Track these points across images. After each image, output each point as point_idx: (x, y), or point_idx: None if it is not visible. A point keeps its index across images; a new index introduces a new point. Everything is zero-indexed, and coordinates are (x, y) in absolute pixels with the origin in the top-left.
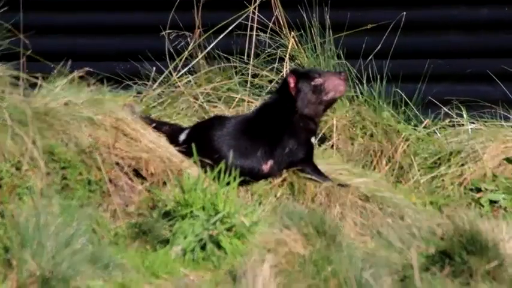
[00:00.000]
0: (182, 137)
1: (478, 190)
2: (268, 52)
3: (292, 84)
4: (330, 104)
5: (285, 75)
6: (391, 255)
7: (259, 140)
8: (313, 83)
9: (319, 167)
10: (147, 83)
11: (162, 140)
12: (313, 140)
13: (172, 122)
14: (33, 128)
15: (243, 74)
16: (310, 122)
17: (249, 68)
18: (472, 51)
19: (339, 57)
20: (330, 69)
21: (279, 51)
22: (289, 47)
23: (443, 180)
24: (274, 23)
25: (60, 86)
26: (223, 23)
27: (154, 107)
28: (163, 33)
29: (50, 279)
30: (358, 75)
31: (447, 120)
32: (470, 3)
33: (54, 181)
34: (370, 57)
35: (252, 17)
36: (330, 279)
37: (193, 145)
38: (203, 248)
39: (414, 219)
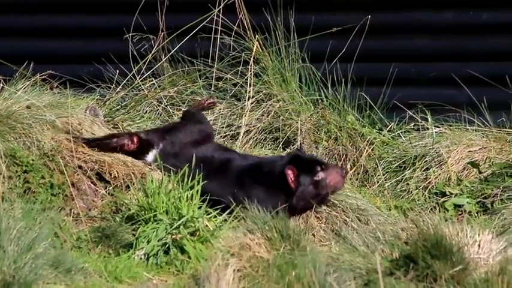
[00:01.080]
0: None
1: (443, 194)
2: (233, 55)
3: (291, 178)
4: (325, 197)
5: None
6: (356, 259)
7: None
8: (315, 178)
9: None
10: (110, 86)
11: None
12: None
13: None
14: None
15: (207, 77)
16: (294, 211)
17: (213, 71)
18: (437, 55)
19: (303, 60)
20: (294, 73)
21: (243, 54)
22: (254, 50)
23: (408, 184)
24: (238, 26)
25: (23, 89)
26: (187, 26)
27: (117, 110)
28: (127, 36)
29: (11, 284)
30: (323, 78)
31: (412, 124)
32: (436, 6)
33: (16, 185)
34: (334, 61)
35: (217, 19)
36: (294, 284)
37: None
38: (166, 252)
39: (378, 223)
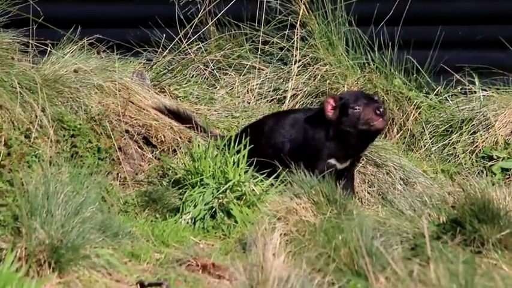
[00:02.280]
0: None
1: (490, 158)
2: (279, 19)
3: (329, 107)
4: (363, 135)
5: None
6: (402, 223)
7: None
8: (350, 111)
9: None
10: (157, 50)
11: (173, 108)
12: (332, 161)
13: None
14: (43, 95)
15: (253, 41)
16: (337, 145)
17: (259, 35)
18: (484, 17)
19: (350, 23)
20: (341, 37)
21: (289, 17)
22: (300, 14)
23: (454, 148)
24: None
25: (70, 53)
26: None
27: (164, 74)
28: None
29: (59, 248)
30: (370, 42)
31: (459, 88)
32: None
33: (64, 149)
34: (381, 24)
35: None
36: (341, 248)
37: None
38: (213, 216)
39: (425, 188)
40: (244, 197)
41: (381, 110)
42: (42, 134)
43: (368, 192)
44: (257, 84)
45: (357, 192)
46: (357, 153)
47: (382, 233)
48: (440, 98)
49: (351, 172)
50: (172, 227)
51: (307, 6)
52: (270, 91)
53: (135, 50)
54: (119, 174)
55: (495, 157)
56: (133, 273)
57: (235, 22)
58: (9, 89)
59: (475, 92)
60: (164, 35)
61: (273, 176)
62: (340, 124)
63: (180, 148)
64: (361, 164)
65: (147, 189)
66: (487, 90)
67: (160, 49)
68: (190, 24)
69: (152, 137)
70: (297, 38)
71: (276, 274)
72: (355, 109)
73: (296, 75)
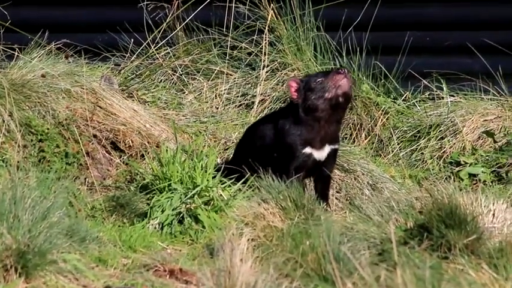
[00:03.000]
0: None
1: (458, 163)
2: (247, 24)
3: (292, 89)
4: (335, 102)
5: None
6: (370, 228)
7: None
8: (313, 84)
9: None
10: (125, 55)
11: (140, 113)
12: (308, 149)
13: None
14: (10, 100)
15: (221, 46)
16: (310, 128)
17: (227, 40)
18: (452, 23)
19: (318, 29)
20: (309, 42)
21: (258, 23)
22: (269, 19)
23: (422, 153)
24: None
25: (38, 58)
26: None
27: (132, 79)
28: (141, 4)
29: (26, 253)
30: (338, 47)
31: (427, 93)
32: None
33: (31, 154)
34: (349, 30)
35: None
36: (308, 253)
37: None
38: (181, 221)
39: (393, 193)
40: (212, 202)
41: (343, 69)
42: (9, 138)
43: (336, 198)
44: (225, 89)
45: (329, 199)
46: (332, 135)
47: (349, 238)
48: (408, 103)
49: (328, 172)
50: (139, 232)
51: (276, 11)
52: (238, 96)
53: (103, 55)
54: (87, 179)
55: (462, 163)
56: (100, 279)
57: (204, 27)
58: None
59: (443, 98)
60: (132, 39)
61: (241, 181)
62: (307, 102)
63: (148, 153)
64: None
65: (114, 194)
66: (454, 96)
67: (129, 54)
68: (159, 29)
69: (120, 142)
70: (265, 43)
71: (243, 279)
72: (318, 81)
73: (264, 81)
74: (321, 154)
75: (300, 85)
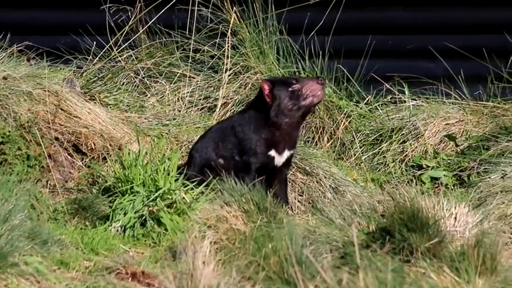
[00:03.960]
0: None
1: (420, 167)
2: (210, 27)
3: (266, 91)
4: (306, 110)
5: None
6: (332, 232)
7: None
8: (290, 89)
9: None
10: (87, 57)
11: (102, 115)
12: (272, 152)
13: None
14: None
15: (184, 49)
16: (277, 132)
17: (190, 43)
18: (414, 28)
19: (281, 32)
20: (272, 45)
21: (221, 26)
22: (231, 22)
23: (384, 157)
24: None
25: None
26: None
27: (94, 81)
28: (104, 7)
29: None
30: (300, 51)
31: (389, 97)
32: None
33: None
34: (312, 33)
35: None
36: (271, 256)
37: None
38: (143, 224)
39: (355, 196)
40: (174, 205)
41: (321, 79)
42: None
43: (298, 201)
44: (188, 92)
45: (289, 200)
46: (293, 141)
47: (311, 241)
48: (371, 107)
49: (283, 177)
50: (102, 235)
51: (238, 14)
52: (200, 99)
53: (65, 58)
54: (49, 182)
55: (424, 166)
56: (62, 281)
57: (166, 30)
58: None
59: (405, 102)
60: (95, 42)
61: (203, 184)
62: (281, 107)
63: (110, 156)
64: (291, 172)
65: (76, 197)
66: (416, 100)
67: (91, 57)
68: (121, 32)
69: (82, 145)
70: (228, 46)
71: (205, 282)
72: (295, 87)
73: (227, 84)
74: (280, 159)
75: (274, 88)
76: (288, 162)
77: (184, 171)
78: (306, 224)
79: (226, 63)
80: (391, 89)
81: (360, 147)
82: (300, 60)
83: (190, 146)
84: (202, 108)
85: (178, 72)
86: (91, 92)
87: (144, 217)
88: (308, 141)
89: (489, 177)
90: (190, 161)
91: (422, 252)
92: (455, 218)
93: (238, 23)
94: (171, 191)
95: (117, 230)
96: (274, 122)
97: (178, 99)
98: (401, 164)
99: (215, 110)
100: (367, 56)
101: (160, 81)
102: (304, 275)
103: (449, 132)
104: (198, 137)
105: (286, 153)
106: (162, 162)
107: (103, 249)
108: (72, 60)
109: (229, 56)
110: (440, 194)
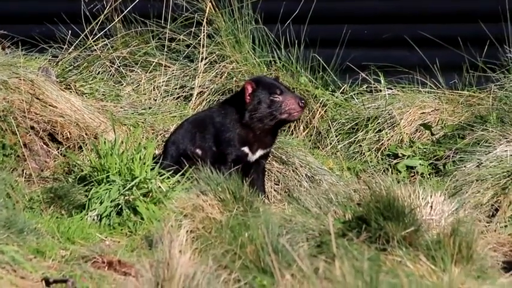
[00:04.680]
0: None
1: (395, 156)
2: (186, 16)
3: (249, 91)
4: (279, 123)
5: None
6: (308, 220)
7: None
8: (271, 98)
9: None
10: (62, 46)
11: (78, 104)
12: (246, 149)
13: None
14: None
15: (160, 39)
16: (250, 132)
17: (166, 32)
18: (390, 17)
19: (256, 22)
20: (247, 35)
21: (196, 15)
22: (207, 12)
23: (360, 145)
24: None
25: None
26: None
27: (70, 70)
28: None
29: None
30: (276, 40)
31: (365, 86)
32: None
33: None
34: (287, 22)
35: None
36: (247, 245)
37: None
38: (119, 213)
39: (331, 185)
40: (150, 194)
41: (303, 102)
42: None
43: (274, 190)
44: (163, 81)
45: (266, 189)
46: (266, 143)
47: (288, 230)
48: (346, 96)
49: (260, 167)
50: (78, 224)
51: (214, 3)
52: (176, 88)
53: (40, 46)
54: (24, 171)
55: (400, 155)
56: (38, 270)
57: (142, 19)
58: None
59: (381, 91)
60: (70, 31)
61: (180, 173)
62: (256, 112)
63: (86, 145)
64: (267, 161)
65: (52, 186)
66: (392, 89)
67: (66, 45)
68: (96, 21)
69: (58, 134)
70: (204, 35)
71: (182, 271)
72: (275, 97)
73: (203, 73)
74: (253, 157)
75: (257, 90)
76: (264, 157)
77: (160, 161)
78: (282, 213)
79: (202, 52)
80: (367, 78)
81: (336, 136)
82: (276, 49)
83: (166, 135)
84: (178, 97)
85: (154, 62)
86: (66, 81)
87: (120, 206)
88: (284, 130)
89: (465, 166)
90: (166, 151)
91: (399, 241)
92: (431, 206)
93: (213, 12)
94: (147, 180)
95: (93, 219)
96: (247, 122)
97: (154, 88)
98: (377, 152)
99: (191, 99)
100: (343, 45)
101: (136, 70)
102: (281, 264)
103: (425, 121)
104: (174, 128)
105: (259, 152)
106: (138, 151)
107: (79, 238)
108: (47, 49)
109: (205, 45)
110: (416, 182)
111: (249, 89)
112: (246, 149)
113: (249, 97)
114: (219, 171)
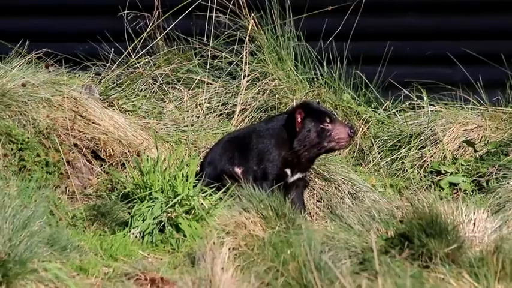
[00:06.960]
0: None
1: (438, 173)
2: (228, 33)
3: (299, 119)
4: (326, 151)
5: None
6: (351, 238)
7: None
8: (321, 126)
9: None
10: (105, 64)
11: (121, 122)
12: (288, 171)
13: None
14: None
15: (202, 56)
16: (295, 158)
17: (208, 50)
18: (432, 33)
19: (299, 39)
20: (290, 52)
21: (238, 32)
22: (249, 29)
23: (403, 162)
24: (234, 4)
25: (18, 67)
26: (182, 4)
27: (113, 88)
28: (122, 13)
29: (6, 262)
30: (319, 57)
31: (407, 103)
32: None
33: (12, 162)
34: (330, 39)
35: None
36: (289, 262)
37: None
38: (162, 230)
39: (374, 202)
40: (193, 211)
41: (353, 131)
42: None
43: (317, 207)
44: (206, 98)
45: (306, 207)
46: (306, 167)
47: (330, 247)
48: (389, 113)
49: (300, 186)
50: (120, 241)
51: (256, 21)
52: (218, 105)
53: (83, 64)
54: (67, 188)
55: (443, 172)
56: (81, 287)
57: (184, 37)
58: None
59: (423, 107)
60: (113, 49)
61: (222, 190)
62: (305, 140)
63: (129, 162)
64: (309, 179)
65: (95, 203)
66: (435, 106)
67: (109, 63)
68: (139, 39)
69: (101, 151)
70: (246, 52)
71: None
72: (326, 125)
73: (245, 90)
74: (291, 179)
75: (307, 118)
76: (300, 180)
77: (202, 179)
78: (324, 230)
79: (244, 70)
80: (410, 94)
81: (379, 153)
82: (318, 66)
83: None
84: (221, 114)
85: (196, 79)
86: (109, 99)
87: (162, 223)
88: None
89: (508, 183)
90: (203, 172)
91: (441, 258)
92: (474, 223)
93: (256, 29)
94: (190, 197)
95: (136, 236)
96: (295, 149)
97: (196, 105)
98: (420, 169)
99: (233, 116)
100: (385, 62)
101: (178, 87)
102: (323, 281)
103: (468, 138)
104: (211, 147)
105: (297, 175)
106: (180, 168)
107: (122, 255)
108: (90, 67)
109: (247, 62)
110: (459, 199)
111: (299, 118)
112: (287, 170)
113: (299, 124)
114: (261, 188)
